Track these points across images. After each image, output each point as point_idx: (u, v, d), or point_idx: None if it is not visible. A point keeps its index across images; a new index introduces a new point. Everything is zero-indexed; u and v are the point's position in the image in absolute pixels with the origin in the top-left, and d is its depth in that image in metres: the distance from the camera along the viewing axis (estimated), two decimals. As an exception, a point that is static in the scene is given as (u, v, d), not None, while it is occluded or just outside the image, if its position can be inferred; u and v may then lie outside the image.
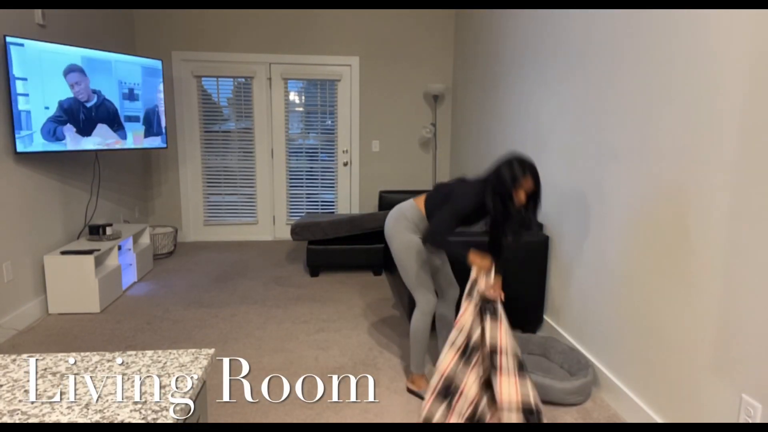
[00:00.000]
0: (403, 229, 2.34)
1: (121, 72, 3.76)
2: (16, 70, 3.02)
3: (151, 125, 4.09)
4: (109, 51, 4.06)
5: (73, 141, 3.41)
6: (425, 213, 2.33)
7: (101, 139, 3.62)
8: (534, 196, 2.10)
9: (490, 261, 2.05)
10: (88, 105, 3.47)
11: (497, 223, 2.27)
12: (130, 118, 3.88)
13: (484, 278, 2.02)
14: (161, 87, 4.25)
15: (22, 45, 3.04)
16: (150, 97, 4.07)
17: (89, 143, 3.55)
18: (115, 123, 3.71)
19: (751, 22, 1.60)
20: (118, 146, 3.79)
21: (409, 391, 2.46)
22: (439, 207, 2.27)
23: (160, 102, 4.24)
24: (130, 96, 3.84)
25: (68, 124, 3.36)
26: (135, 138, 3.93)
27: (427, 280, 2.37)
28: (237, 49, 5.05)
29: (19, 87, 3.05)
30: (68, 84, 3.33)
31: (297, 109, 5.28)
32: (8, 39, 2.96)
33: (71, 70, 3.37)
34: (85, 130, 3.49)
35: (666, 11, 2.00)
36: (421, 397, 2.40)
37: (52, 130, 3.22)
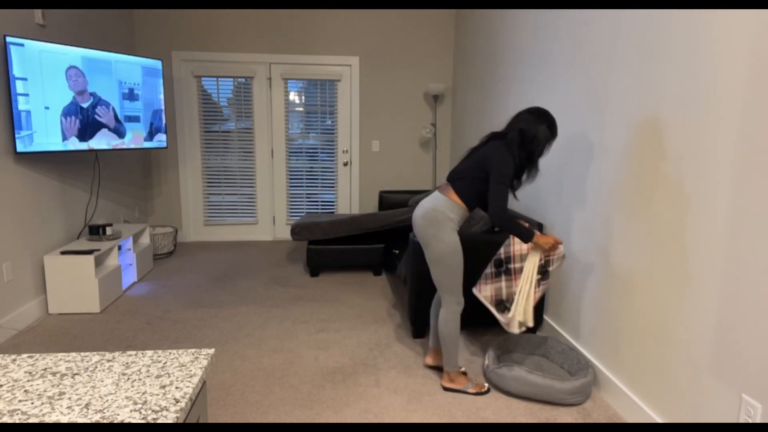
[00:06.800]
0: (450, 231, 2.31)
1: (121, 72, 3.77)
2: (16, 70, 3.02)
3: (152, 126, 4.10)
4: (109, 51, 4.07)
5: (73, 145, 3.44)
6: (466, 205, 2.33)
7: (104, 140, 3.65)
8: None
9: (552, 239, 2.30)
10: (84, 105, 3.47)
11: (518, 179, 2.38)
12: (130, 118, 3.89)
13: (540, 252, 2.36)
14: (161, 87, 4.25)
15: (22, 45, 3.04)
16: (151, 98, 4.08)
17: (92, 145, 3.56)
18: (114, 125, 3.72)
19: (751, 21, 1.60)
20: (119, 146, 3.80)
21: (449, 389, 2.48)
22: (477, 192, 2.32)
23: (160, 102, 4.25)
24: (131, 96, 3.84)
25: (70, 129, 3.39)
26: (135, 137, 3.94)
27: (462, 280, 2.43)
28: (237, 49, 5.05)
29: (19, 87, 3.05)
30: (66, 77, 3.34)
31: (297, 109, 5.28)
32: (8, 39, 2.96)
33: (70, 69, 3.38)
34: (86, 135, 3.51)
35: (665, 10, 2.00)
36: (465, 392, 2.47)
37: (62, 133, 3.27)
